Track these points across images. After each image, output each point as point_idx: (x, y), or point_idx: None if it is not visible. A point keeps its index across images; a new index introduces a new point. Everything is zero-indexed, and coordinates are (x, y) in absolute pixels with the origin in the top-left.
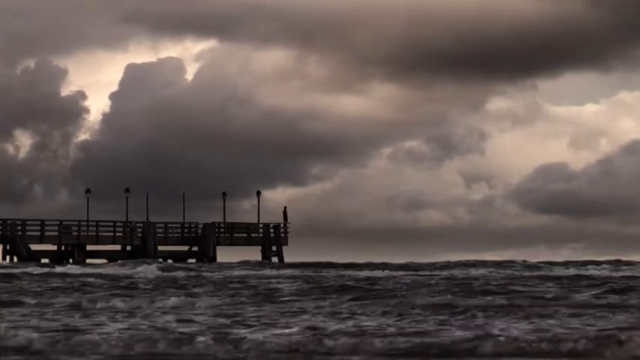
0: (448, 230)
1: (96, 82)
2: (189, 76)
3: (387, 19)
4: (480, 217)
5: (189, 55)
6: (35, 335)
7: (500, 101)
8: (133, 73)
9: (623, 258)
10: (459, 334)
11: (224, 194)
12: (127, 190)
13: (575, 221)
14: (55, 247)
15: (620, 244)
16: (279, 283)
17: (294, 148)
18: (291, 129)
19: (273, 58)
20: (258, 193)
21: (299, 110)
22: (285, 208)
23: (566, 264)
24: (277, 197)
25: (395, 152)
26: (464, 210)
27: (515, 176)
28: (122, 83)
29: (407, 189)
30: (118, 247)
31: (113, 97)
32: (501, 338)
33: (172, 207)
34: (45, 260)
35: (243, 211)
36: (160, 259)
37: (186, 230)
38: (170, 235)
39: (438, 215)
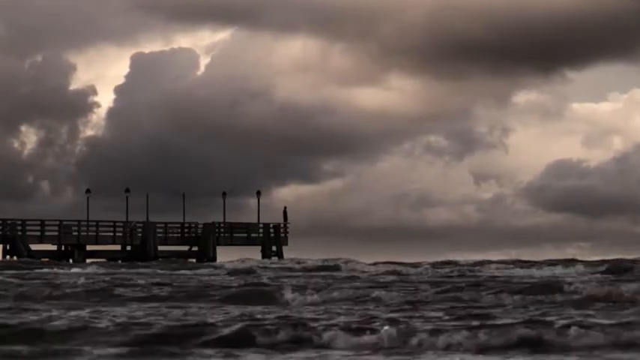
0: (459, 229)
1: (106, 75)
2: (202, 68)
3: (412, 8)
4: (490, 216)
5: (203, 45)
6: None
7: (527, 95)
8: (140, 65)
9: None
10: None
11: (224, 194)
12: (127, 190)
13: (586, 220)
14: (55, 247)
15: (629, 243)
16: None
17: (308, 144)
18: (306, 124)
19: (291, 49)
20: (258, 194)
21: (316, 104)
22: (285, 207)
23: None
24: (287, 195)
25: (413, 148)
26: (474, 208)
27: (529, 174)
28: (129, 76)
29: (419, 186)
30: (118, 247)
31: (118, 90)
32: None
33: (179, 205)
34: (45, 260)
35: (251, 209)
36: (161, 259)
37: (186, 230)
38: (170, 235)
39: (447, 214)
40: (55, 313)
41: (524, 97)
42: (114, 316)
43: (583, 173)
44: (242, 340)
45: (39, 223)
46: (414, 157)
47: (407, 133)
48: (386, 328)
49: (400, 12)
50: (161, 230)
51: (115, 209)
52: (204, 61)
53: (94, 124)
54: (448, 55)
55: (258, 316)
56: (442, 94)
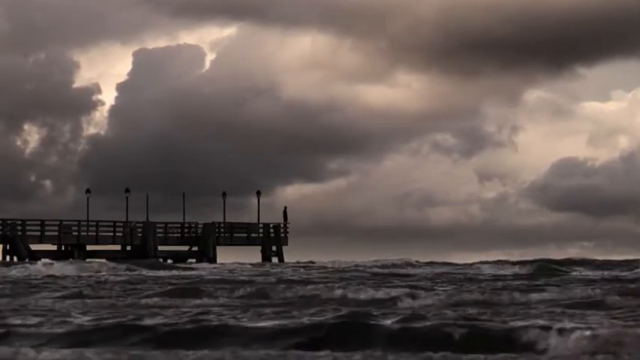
0: (462, 228)
1: (110, 73)
2: (207, 64)
3: (422, 4)
4: (494, 215)
5: (209, 41)
6: None
7: (537, 92)
8: (143, 62)
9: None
10: None
11: (224, 194)
12: (127, 190)
13: (591, 219)
14: (55, 247)
15: (633, 243)
16: None
17: (313, 143)
18: (312, 122)
19: (300, 45)
20: (259, 193)
21: (323, 102)
22: (285, 208)
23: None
24: (291, 194)
25: (420, 146)
26: (477, 207)
27: (533, 173)
28: (131, 73)
29: (423, 185)
30: (118, 247)
31: (121, 88)
32: None
33: (179, 205)
34: (45, 260)
35: (253, 209)
36: (161, 259)
37: (186, 230)
38: (170, 235)
39: (450, 213)
40: None
41: (534, 94)
42: None
43: (589, 172)
44: None
45: (39, 223)
46: (421, 155)
47: (415, 131)
48: None
49: (410, 8)
50: (161, 230)
51: (116, 208)
52: (209, 58)
53: (97, 122)
54: (458, 51)
55: None
56: (452, 92)
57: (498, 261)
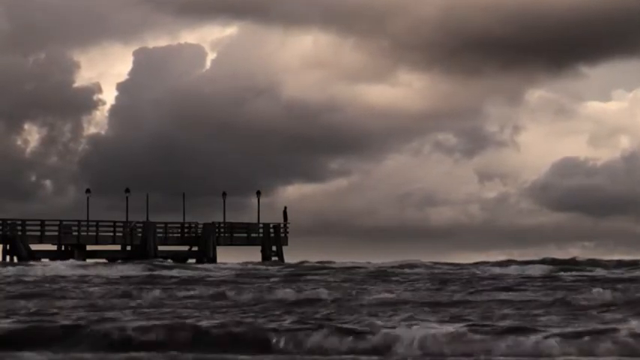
0: (463, 228)
1: (111, 72)
2: (208, 64)
3: (424, 3)
4: (494, 215)
5: (210, 41)
6: None
7: (539, 92)
8: (144, 61)
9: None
10: None
11: (224, 194)
12: (127, 190)
13: (592, 219)
14: (55, 247)
15: (633, 243)
16: None
17: (314, 143)
18: (313, 122)
19: (301, 44)
20: (259, 193)
21: (324, 101)
22: (285, 208)
23: None
24: (291, 194)
25: (421, 146)
26: (478, 207)
27: (534, 173)
28: (132, 72)
29: (424, 185)
30: (118, 247)
31: (121, 87)
32: None
33: (179, 205)
34: (45, 260)
35: (253, 209)
36: (160, 259)
37: (186, 230)
38: (170, 235)
39: (451, 213)
40: None
41: (535, 94)
42: None
43: (590, 172)
44: None
45: (39, 223)
46: (422, 155)
47: (416, 130)
48: None
49: (412, 7)
50: (161, 230)
51: (116, 208)
52: (210, 57)
53: (97, 122)
54: (459, 51)
55: None
56: (453, 91)
57: (520, 261)
